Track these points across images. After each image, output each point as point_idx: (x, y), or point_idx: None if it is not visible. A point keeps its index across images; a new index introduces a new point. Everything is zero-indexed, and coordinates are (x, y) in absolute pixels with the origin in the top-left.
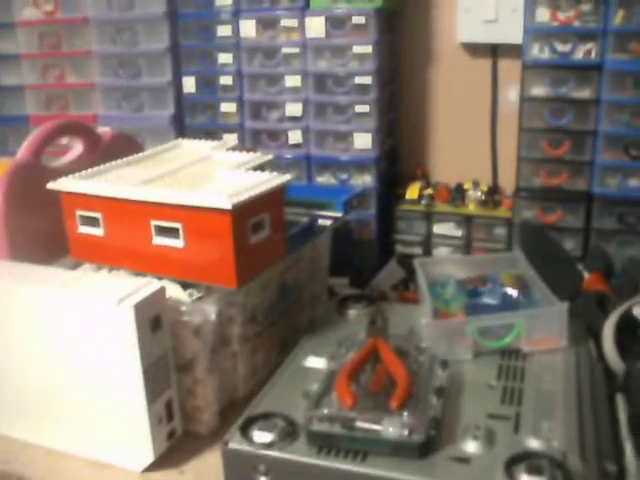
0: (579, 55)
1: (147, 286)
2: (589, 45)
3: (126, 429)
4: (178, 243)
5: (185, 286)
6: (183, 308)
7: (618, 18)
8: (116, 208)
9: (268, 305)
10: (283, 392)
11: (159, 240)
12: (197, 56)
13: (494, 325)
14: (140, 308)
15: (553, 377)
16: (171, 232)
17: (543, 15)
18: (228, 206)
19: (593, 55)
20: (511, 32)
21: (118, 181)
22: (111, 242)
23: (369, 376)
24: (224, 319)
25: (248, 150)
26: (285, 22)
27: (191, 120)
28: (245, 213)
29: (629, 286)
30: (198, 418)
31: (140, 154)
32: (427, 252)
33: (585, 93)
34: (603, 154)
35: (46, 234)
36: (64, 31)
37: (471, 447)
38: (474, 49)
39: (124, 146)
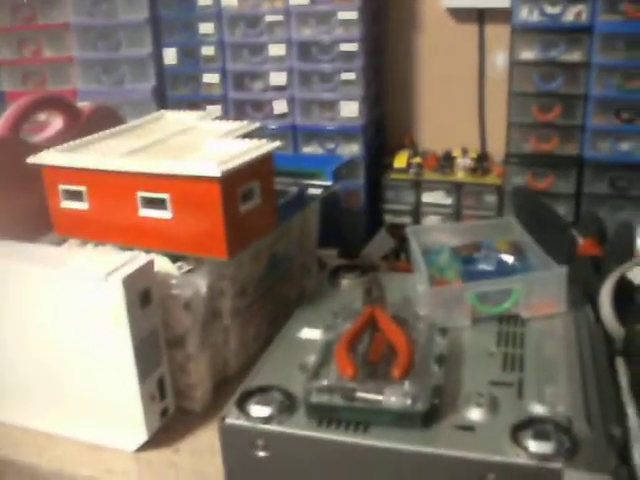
0: (569, 17)
1: (135, 260)
2: (579, 6)
3: (118, 408)
4: (166, 214)
5: (174, 259)
6: (173, 281)
7: None
8: (100, 180)
9: (259, 277)
10: (279, 365)
11: (146, 212)
12: (178, 27)
13: (492, 291)
14: (128, 282)
15: (553, 342)
16: (158, 203)
17: None
18: (217, 174)
19: (583, 17)
20: None
21: (101, 153)
22: (96, 216)
23: (367, 345)
24: (215, 292)
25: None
26: None
27: (173, 92)
28: (235, 181)
29: (623, 250)
30: (191, 395)
31: (123, 126)
32: (416, 221)
33: (575, 56)
34: (594, 118)
35: (28, 211)
36: (39, 4)
37: (475, 415)
38: (460, 14)
39: (105, 120)
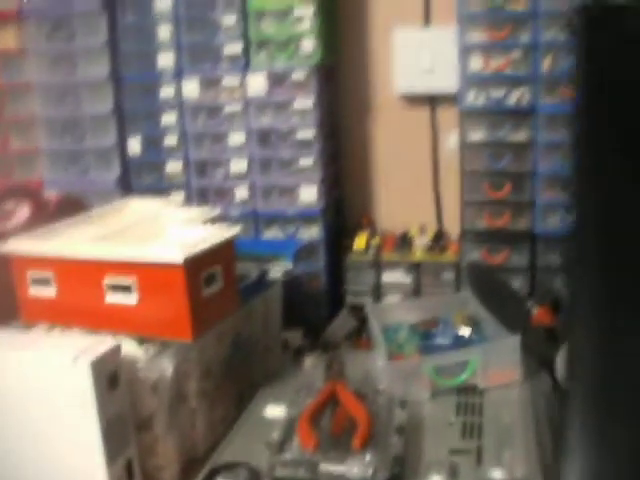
0: (512, 100)
1: (102, 343)
2: (521, 90)
3: None
4: (132, 299)
5: (140, 342)
6: (139, 364)
7: (546, 64)
8: (68, 267)
9: (223, 359)
10: (244, 442)
11: (112, 297)
12: (141, 117)
13: (449, 363)
14: (96, 365)
15: (511, 410)
16: (124, 289)
17: (476, 63)
18: (180, 260)
19: (526, 100)
20: (447, 81)
21: (68, 240)
22: (63, 302)
23: (329, 420)
24: (180, 374)
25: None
26: (227, 81)
27: (137, 181)
28: (197, 266)
29: None
30: (159, 477)
31: (89, 213)
32: (377, 301)
33: (521, 136)
34: (543, 194)
35: None
36: (6, 96)
37: None
38: (412, 100)
39: (71, 209)
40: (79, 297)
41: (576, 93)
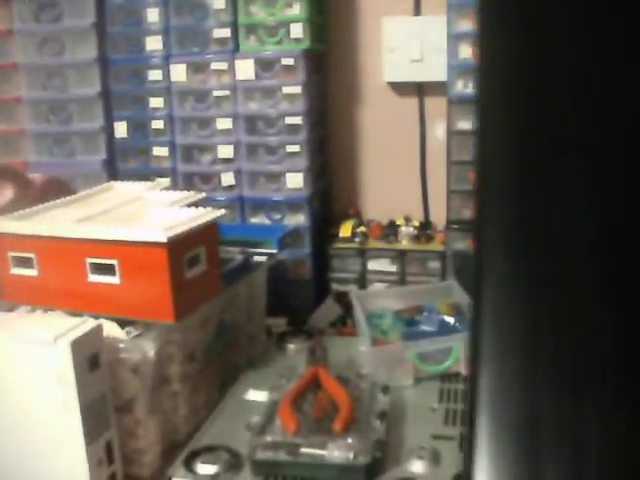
0: None
1: (83, 324)
2: None
3: (64, 473)
4: (114, 280)
5: (123, 324)
6: (121, 346)
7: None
8: (50, 247)
9: (207, 343)
10: (225, 425)
11: (95, 278)
12: (128, 101)
13: (433, 350)
14: (77, 346)
15: None
16: (107, 269)
17: (465, 52)
18: (163, 239)
19: None
20: (436, 70)
21: (51, 221)
22: (46, 282)
23: (311, 404)
24: (163, 357)
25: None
26: (215, 65)
27: (124, 165)
28: (181, 247)
29: None
30: (139, 460)
31: (73, 196)
32: (362, 289)
33: None
34: None
35: None
36: None
37: (417, 467)
38: (401, 88)
39: (56, 191)
40: (61, 278)
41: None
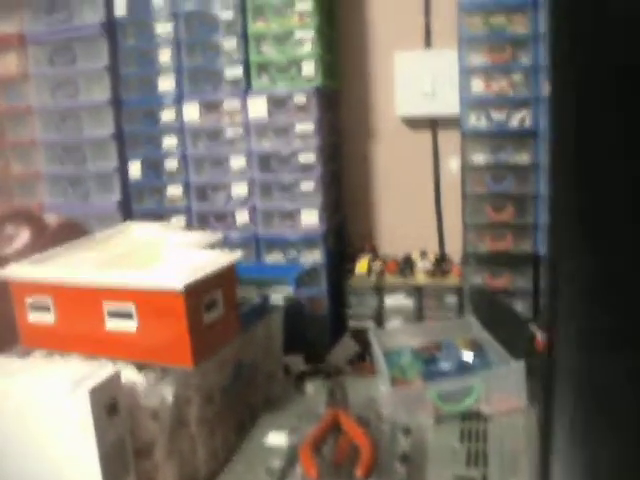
0: (514, 122)
1: (102, 370)
2: (523, 112)
3: None
4: (132, 325)
5: (140, 368)
6: (140, 391)
7: (547, 86)
8: (67, 293)
9: (224, 385)
10: (245, 470)
11: (112, 323)
12: (142, 141)
13: (453, 389)
14: (96, 393)
15: (516, 437)
16: (124, 315)
17: (477, 86)
18: (180, 287)
19: (527, 122)
20: (448, 104)
21: (68, 266)
22: (63, 328)
23: (332, 447)
24: (181, 401)
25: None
26: (228, 104)
27: (138, 205)
28: (198, 293)
29: None
30: None
31: (89, 238)
32: (380, 325)
33: (523, 158)
34: (545, 215)
35: None
36: (7, 121)
37: None
38: (414, 122)
39: (71, 233)
40: (78, 323)
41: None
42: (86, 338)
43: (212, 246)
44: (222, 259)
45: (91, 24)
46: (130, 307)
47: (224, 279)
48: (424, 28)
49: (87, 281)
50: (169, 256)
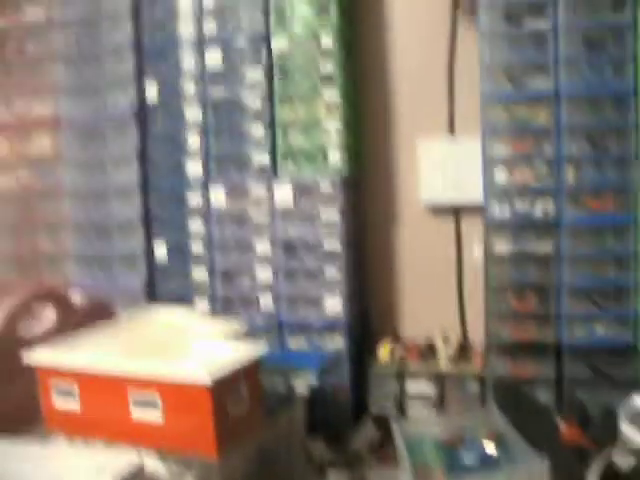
0: (538, 212)
1: (125, 460)
2: (546, 202)
3: None
4: (157, 416)
5: (163, 457)
6: None
7: (570, 176)
8: (92, 381)
9: (247, 474)
10: None
11: (137, 412)
12: (168, 224)
13: None
14: None
15: None
16: (150, 405)
17: (501, 176)
18: (208, 382)
19: (551, 212)
20: (472, 193)
21: (93, 353)
22: (88, 414)
23: None
24: None
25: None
26: (254, 191)
27: (163, 287)
28: (224, 387)
29: (607, 435)
30: None
31: (114, 323)
32: (401, 410)
33: (547, 247)
34: (569, 305)
35: (20, 403)
36: (38, 199)
37: None
38: (437, 210)
39: (98, 313)
40: (103, 411)
41: None
42: (110, 426)
43: (237, 336)
44: (248, 353)
45: (122, 108)
46: (155, 398)
47: (250, 373)
48: (448, 116)
49: (113, 370)
50: (195, 346)
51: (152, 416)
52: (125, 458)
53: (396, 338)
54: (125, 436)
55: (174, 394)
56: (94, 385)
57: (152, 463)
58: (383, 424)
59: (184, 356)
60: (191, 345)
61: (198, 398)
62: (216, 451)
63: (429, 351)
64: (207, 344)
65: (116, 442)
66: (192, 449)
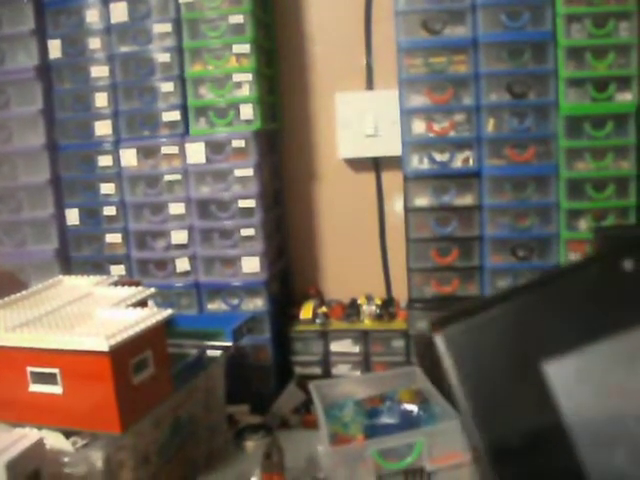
0: (457, 164)
1: (23, 439)
2: (466, 153)
3: None
4: (56, 389)
5: (68, 433)
6: (65, 459)
7: (490, 126)
8: None
9: (162, 444)
10: None
11: (36, 387)
12: (79, 188)
13: (395, 446)
14: (14, 465)
15: None
16: (48, 378)
17: (419, 127)
18: (105, 348)
19: (471, 163)
20: (391, 145)
21: None
22: None
23: None
24: (113, 465)
25: (132, 283)
26: (166, 149)
27: (76, 253)
28: (125, 353)
29: None
30: None
31: (18, 295)
32: (326, 371)
33: (467, 200)
34: (491, 258)
35: None
36: None
37: None
38: (357, 164)
39: (6, 285)
40: (1, 387)
41: None
42: (9, 403)
43: (145, 301)
44: (152, 317)
45: (25, 67)
46: (54, 370)
47: (154, 338)
48: (366, 69)
49: (9, 343)
50: (98, 314)
51: (52, 390)
52: (23, 438)
53: (320, 298)
54: (25, 413)
55: (73, 365)
56: None
57: (55, 438)
58: (308, 386)
59: (86, 324)
60: (95, 313)
61: (97, 367)
62: (120, 422)
63: (353, 309)
64: (110, 311)
65: (16, 420)
66: (96, 424)
